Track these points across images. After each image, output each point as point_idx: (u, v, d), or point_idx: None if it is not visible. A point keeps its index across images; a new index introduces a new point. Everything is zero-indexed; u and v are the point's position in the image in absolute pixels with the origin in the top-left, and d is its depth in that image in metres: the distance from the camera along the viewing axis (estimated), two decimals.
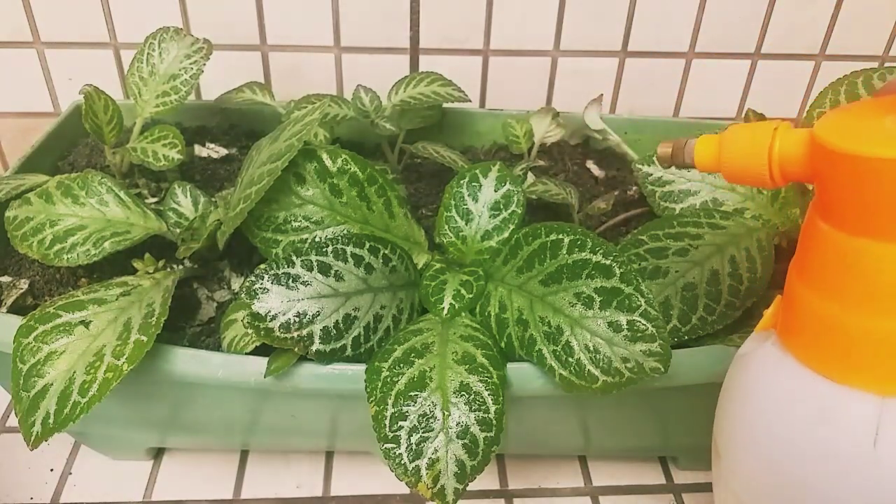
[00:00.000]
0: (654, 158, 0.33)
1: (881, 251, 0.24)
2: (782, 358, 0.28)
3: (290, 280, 0.38)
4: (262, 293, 0.37)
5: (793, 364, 0.28)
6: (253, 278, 0.37)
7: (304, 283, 0.38)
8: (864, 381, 0.26)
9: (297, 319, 0.37)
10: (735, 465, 0.31)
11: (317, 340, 0.38)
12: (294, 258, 0.38)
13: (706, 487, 0.53)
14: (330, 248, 0.39)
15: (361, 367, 0.39)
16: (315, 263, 0.38)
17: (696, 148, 0.30)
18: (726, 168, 0.29)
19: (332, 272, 0.39)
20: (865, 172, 0.23)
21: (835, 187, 0.25)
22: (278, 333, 0.37)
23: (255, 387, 0.39)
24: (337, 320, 0.38)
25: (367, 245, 0.40)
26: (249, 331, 0.37)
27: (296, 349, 0.38)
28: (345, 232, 0.42)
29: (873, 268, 0.24)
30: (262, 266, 0.38)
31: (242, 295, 0.37)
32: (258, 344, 0.39)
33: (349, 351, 0.39)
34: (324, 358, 0.38)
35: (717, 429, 0.33)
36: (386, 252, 0.41)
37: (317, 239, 0.42)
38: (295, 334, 0.37)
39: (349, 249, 0.40)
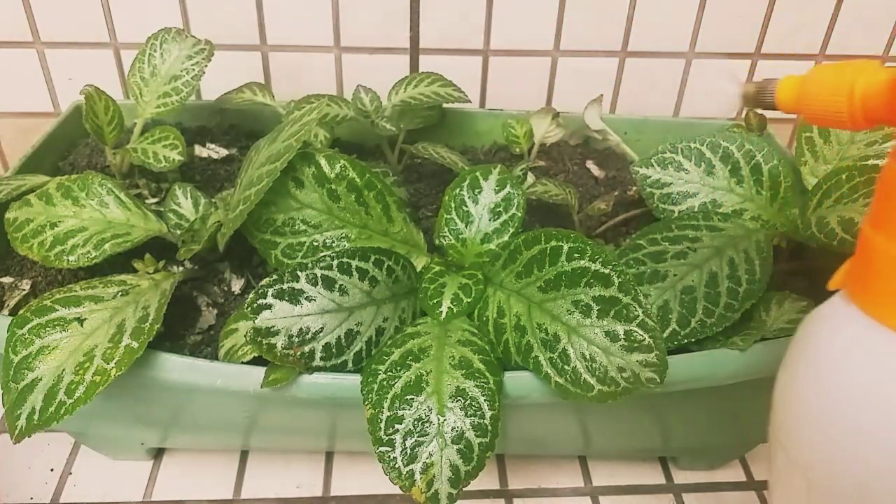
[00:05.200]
0: (740, 96, 0.33)
1: None
2: (859, 319, 0.27)
3: (295, 295, 0.37)
4: (265, 309, 0.36)
5: (870, 323, 0.27)
6: (256, 293, 0.37)
7: (308, 299, 0.37)
8: None
9: (299, 336, 0.37)
10: (810, 442, 0.29)
11: (318, 357, 0.37)
12: (299, 272, 0.38)
13: (706, 487, 0.53)
14: (336, 263, 0.39)
15: (357, 378, 0.38)
16: (320, 278, 0.38)
17: (780, 87, 0.31)
18: (805, 108, 0.29)
19: (337, 287, 0.38)
20: None
21: None
22: (280, 350, 0.37)
23: (254, 395, 0.39)
24: (339, 336, 0.38)
25: (373, 258, 0.40)
26: (251, 346, 0.37)
27: (296, 367, 0.37)
28: (346, 240, 0.42)
29: None
30: (267, 280, 0.37)
31: (246, 309, 0.36)
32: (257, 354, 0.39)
33: (350, 366, 0.39)
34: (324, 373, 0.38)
35: (782, 413, 0.31)
36: (390, 263, 0.41)
37: (317, 245, 0.42)
38: (296, 351, 0.37)
39: (354, 263, 0.39)
